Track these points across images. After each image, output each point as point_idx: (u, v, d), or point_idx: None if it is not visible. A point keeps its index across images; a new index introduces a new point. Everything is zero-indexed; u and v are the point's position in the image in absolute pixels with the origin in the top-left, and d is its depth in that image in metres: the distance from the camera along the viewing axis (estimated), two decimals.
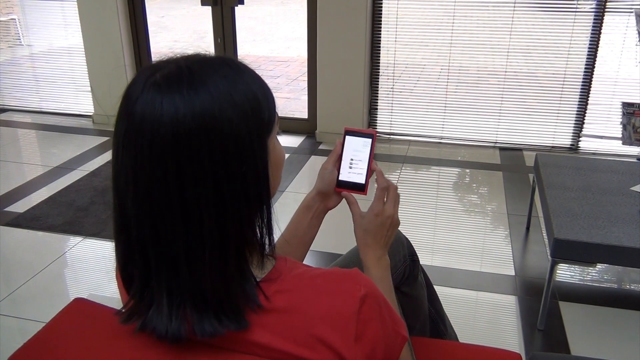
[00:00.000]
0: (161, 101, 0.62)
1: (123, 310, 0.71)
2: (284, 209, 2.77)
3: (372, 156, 1.04)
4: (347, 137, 1.06)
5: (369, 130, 1.07)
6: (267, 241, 0.72)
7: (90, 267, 2.38)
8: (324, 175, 1.07)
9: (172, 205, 0.63)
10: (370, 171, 1.04)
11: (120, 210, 0.67)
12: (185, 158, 0.62)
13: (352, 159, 1.05)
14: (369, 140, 1.05)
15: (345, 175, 1.06)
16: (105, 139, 3.91)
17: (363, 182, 1.04)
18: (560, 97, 3.56)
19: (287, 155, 3.54)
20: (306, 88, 3.92)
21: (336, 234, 2.54)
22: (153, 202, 0.63)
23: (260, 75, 0.72)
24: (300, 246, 1.12)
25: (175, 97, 0.62)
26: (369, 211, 1.00)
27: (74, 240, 2.57)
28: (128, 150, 0.63)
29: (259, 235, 0.71)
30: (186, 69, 0.64)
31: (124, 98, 0.65)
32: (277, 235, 0.76)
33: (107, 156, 3.56)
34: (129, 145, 0.63)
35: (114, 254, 0.71)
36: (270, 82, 0.71)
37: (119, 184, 0.66)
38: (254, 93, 0.67)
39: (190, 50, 0.70)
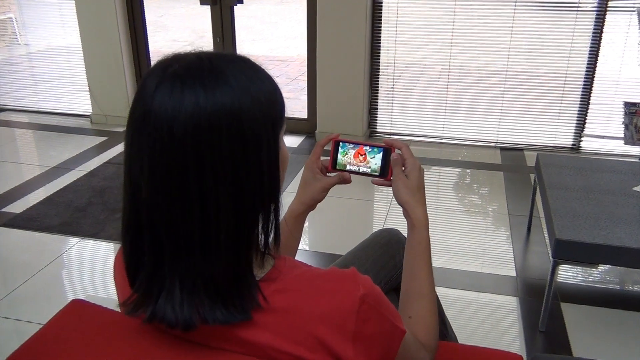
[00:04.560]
0: (182, 90, 0.63)
1: (128, 302, 0.70)
2: (284, 209, 2.75)
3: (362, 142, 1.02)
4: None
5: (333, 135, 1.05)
6: (272, 237, 0.72)
7: (88, 268, 2.36)
8: (309, 183, 1.06)
9: (190, 191, 0.64)
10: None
11: (132, 196, 0.67)
12: (206, 146, 0.63)
13: (354, 161, 1.03)
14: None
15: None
16: (103, 139, 3.89)
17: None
18: (562, 97, 3.55)
19: None
20: (306, 88, 3.91)
21: (335, 234, 2.54)
22: (171, 188, 0.64)
23: None
24: (292, 250, 1.14)
25: (197, 87, 0.63)
26: (412, 167, 0.98)
27: (72, 241, 2.55)
28: (145, 137, 0.64)
29: (261, 233, 0.71)
30: (207, 60, 0.66)
31: (140, 87, 0.66)
32: None
33: (105, 156, 3.55)
34: (146, 133, 0.64)
35: (114, 252, 0.70)
36: None
37: (133, 170, 0.66)
38: (268, 88, 0.70)
39: (190, 49, 0.71)
